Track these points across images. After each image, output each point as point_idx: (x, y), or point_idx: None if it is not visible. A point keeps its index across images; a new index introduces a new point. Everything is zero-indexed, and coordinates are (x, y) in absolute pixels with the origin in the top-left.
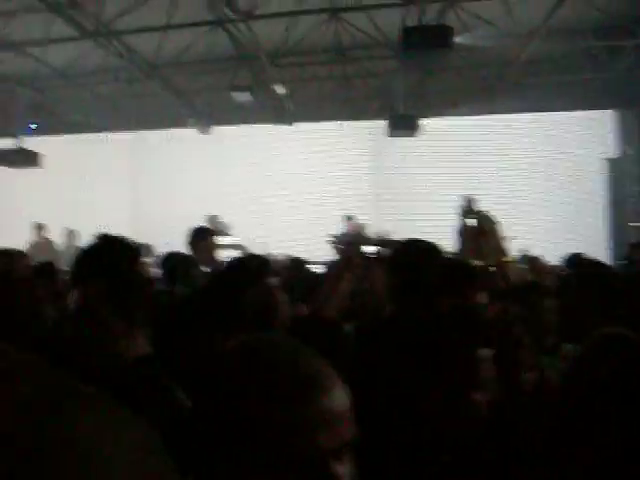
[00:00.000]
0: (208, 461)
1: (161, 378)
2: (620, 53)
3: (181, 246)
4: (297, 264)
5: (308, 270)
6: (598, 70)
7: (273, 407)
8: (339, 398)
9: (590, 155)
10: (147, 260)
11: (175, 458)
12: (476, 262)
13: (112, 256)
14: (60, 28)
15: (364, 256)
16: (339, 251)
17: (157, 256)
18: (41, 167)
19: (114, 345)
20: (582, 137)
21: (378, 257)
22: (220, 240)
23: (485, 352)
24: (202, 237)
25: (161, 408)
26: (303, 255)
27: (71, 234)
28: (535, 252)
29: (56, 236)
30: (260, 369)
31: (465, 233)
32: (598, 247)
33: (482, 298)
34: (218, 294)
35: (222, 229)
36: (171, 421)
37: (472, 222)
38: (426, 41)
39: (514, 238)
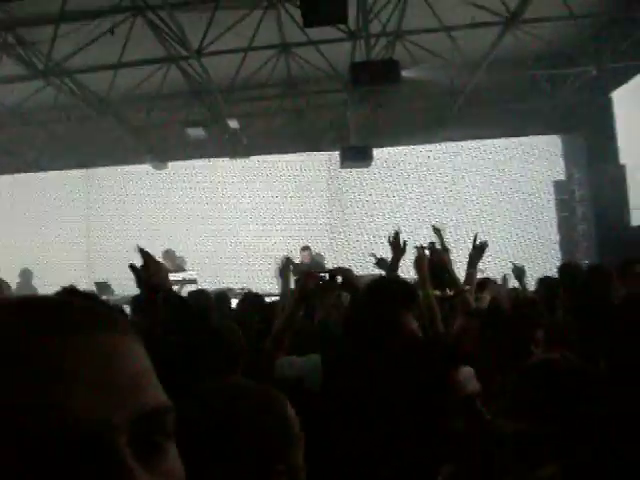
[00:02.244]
0: None
1: None
2: (563, 81)
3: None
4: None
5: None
6: (542, 98)
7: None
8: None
9: (539, 179)
10: (105, 298)
11: None
12: (436, 292)
13: None
14: (10, 66)
15: (319, 286)
16: (295, 282)
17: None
18: None
19: None
20: (530, 161)
21: (332, 286)
22: (175, 276)
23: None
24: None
25: None
26: (259, 286)
27: (25, 273)
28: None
29: (10, 276)
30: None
31: (422, 263)
32: (550, 267)
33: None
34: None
35: (178, 263)
36: None
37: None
38: (374, 76)
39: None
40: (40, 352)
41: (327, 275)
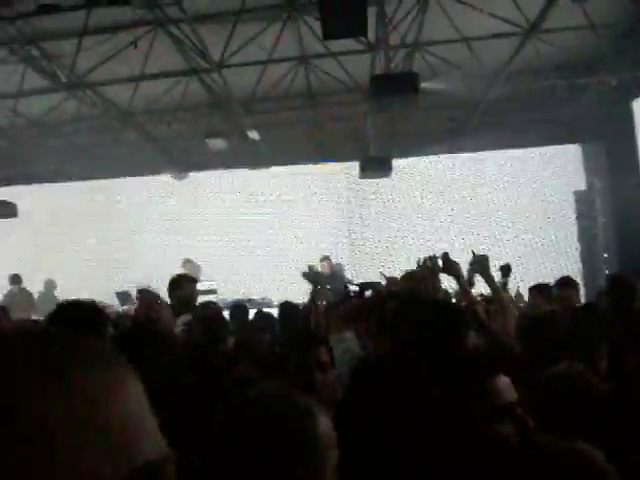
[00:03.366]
0: None
1: None
2: (582, 90)
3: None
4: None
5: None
6: (562, 107)
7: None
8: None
9: (559, 189)
10: (126, 307)
11: None
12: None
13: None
14: (34, 79)
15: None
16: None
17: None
18: (16, 217)
19: None
20: (549, 171)
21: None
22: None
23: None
24: (177, 286)
25: None
26: (279, 296)
27: (48, 283)
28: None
29: (34, 286)
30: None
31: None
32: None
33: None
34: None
35: (197, 273)
36: None
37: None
38: (394, 89)
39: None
40: (18, 405)
41: (357, 288)
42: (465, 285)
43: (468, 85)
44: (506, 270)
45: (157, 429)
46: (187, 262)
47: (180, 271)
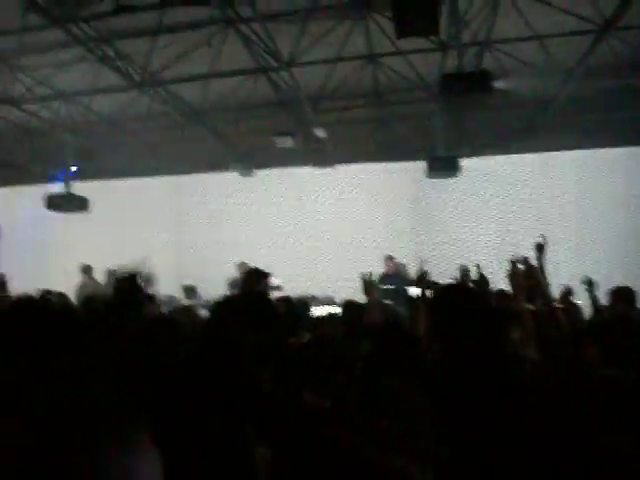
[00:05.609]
0: None
1: None
2: None
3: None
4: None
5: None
6: (636, 108)
7: None
8: None
9: (629, 192)
10: (191, 302)
11: None
12: (529, 306)
13: None
14: (107, 77)
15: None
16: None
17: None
18: (89, 211)
19: None
20: (623, 173)
21: (421, 298)
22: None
23: None
24: (250, 282)
25: None
26: (342, 295)
27: (112, 274)
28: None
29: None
30: None
31: (515, 278)
32: None
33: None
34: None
35: None
36: None
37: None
38: (466, 87)
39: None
40: None
41: None
42: (546, 289)
43: (540, 84)
44: (540, 249)
45: None
46: (242, 265)
47: (234, 275)
